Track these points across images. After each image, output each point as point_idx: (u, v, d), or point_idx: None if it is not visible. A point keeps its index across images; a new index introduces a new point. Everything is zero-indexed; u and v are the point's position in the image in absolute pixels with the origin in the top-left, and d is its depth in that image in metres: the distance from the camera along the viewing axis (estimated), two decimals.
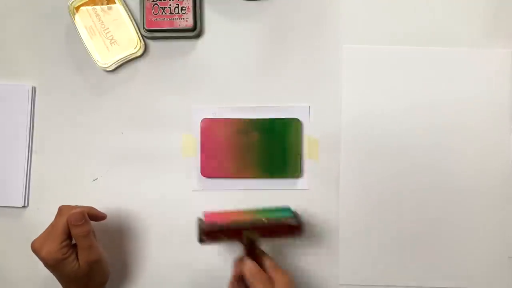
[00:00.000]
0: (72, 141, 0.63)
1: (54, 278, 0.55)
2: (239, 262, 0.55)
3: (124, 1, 0.63)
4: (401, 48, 0.63)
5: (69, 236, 0.55)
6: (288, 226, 0.56)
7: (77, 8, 0.62)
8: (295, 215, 0.58)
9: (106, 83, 0.64)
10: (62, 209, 0.56)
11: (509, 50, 0.63)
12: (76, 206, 0.57)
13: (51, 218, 0.63)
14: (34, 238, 0.55)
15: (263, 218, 0.57)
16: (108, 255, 0.60)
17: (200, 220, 0.57)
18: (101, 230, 0.62)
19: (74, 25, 0.62)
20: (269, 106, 0.63)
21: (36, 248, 0.54)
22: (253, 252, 0.56)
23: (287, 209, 0.59)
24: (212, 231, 0.55)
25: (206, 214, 0.58)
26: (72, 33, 0.63)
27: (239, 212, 0.59)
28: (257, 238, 0.56)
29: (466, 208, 0.62)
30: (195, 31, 0.63)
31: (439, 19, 0.63)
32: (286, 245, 0.62)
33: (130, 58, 0.63)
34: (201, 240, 0.55)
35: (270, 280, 0.52)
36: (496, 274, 0.62)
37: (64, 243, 0.54)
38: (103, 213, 0.60)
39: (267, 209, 0.59)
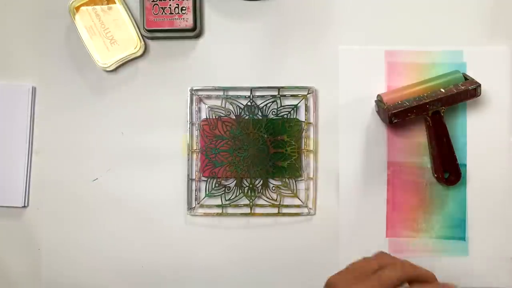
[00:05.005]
0: (72, 141, 0.63)
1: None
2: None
3: (124, 1, 0.63)
4: (398, 48, 0.63)
5: None
6: (467, 91, 0.56)
7: (77, 8, 0.62)
8: (466, 77, 0.58)
9: (106, 83, 0.64)
10: (383, 257, 0.48)
11: (508, 48, 0.63)
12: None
13: (51, 218, 0.63)
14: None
15: (440, 88, 0.57)
16: (107, 254, 0.60)
17: (379, 98, 0.56)
18: (101, 229, 0.63)
19: (74, 25, 0.62)
20: (268, 105, 0.63)
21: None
22: (438, 125, 0.57)
23: (456, 72, 0.59)
24: (399, 110, 0.57)
25: (382, 94, 0.58)
26: (72, 33, 0.63)
27: (413, 88, 0.59)
28: (441, 109, 0.56)
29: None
30: (195, 31, 0.63)
31: (435, 19, 0.63)
32: (286, 245, 0.62)
33: (130, 58, 0.63)
34: (390, 121, 0.57)
35: None
36: (497, 274, 0.62)
37: None
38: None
39: (437, 78, 0.59)
